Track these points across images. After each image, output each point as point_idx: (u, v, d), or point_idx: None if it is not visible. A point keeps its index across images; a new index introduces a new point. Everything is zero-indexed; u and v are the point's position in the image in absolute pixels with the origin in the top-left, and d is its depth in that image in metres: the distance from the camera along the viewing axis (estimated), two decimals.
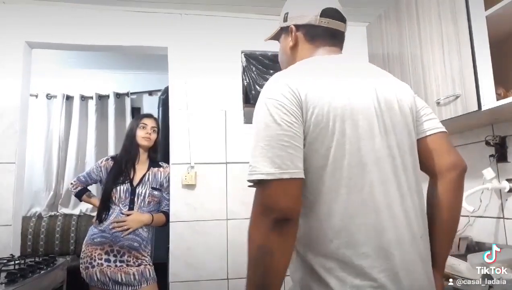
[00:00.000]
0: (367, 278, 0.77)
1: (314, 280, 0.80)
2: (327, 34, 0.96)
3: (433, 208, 0.94)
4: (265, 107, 0.80)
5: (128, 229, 1.99)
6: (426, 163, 0.95)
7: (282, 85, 0.81)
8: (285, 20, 1.00)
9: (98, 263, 1.94)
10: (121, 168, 2.12)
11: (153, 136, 2.20)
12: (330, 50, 0.96)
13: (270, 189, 0.76)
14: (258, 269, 0.80)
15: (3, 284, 1.38)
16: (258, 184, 0.77)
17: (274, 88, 0.82)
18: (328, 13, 0.96)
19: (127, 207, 2.06)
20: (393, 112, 0.87)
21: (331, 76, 0.86)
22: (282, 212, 0.75)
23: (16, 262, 1.68)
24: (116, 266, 1.95)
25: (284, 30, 1.02)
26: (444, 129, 0.97)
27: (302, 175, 0.78)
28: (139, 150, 2.18)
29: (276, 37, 1.07)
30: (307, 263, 0.82)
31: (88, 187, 2.30)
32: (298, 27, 0.97)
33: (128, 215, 2.03)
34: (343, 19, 0.99)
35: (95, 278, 1.93)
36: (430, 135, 0.95)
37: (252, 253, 0.81)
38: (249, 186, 0.81)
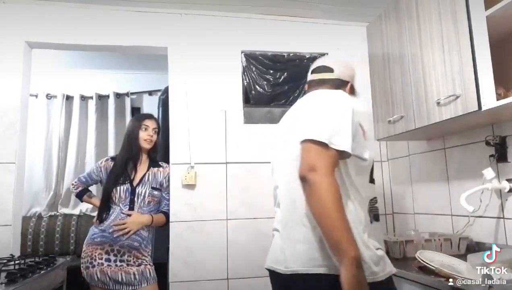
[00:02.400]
0: None
1: None
2: (312, 84, 1.34)
3: None
4: None
5: (128, 231, 1.99)
6: None
7: None
8: None
9: (98, 262, 1.94)
10: (122, 168, 2.12)
11: (154, 138, 2.20)
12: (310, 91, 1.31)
13: None
14: None
15: (3, 284, 1.38)
16: None
17: None
18: (314, 70, 1.35)
19: (127, 206, 2.06)
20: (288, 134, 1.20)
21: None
22: None
23: (16, 262, 1.68)
24: (116, 265, 1.95)
25: None
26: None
27: None
28: (141, 150, 2.18)
29: None
30: None
31: (89, 188, 2.30)
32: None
33: (128, 215, 2.03)
34: (328, 70, 1.32)
35: (96, 278, 1.93)
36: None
37: None
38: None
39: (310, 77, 1.35)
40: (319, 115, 1.07)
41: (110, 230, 1.99)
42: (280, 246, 1.12)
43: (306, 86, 1.37)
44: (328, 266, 1.00)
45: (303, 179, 0.99)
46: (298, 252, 1.05)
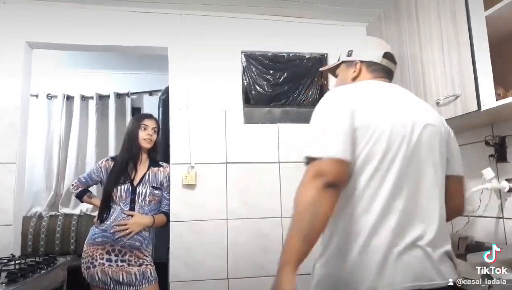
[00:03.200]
0: None
1: None
2: (383, 70, 1.21)
3: None
4: None
5: (130, 233, 1.99)
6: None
7: None
8: (349, 55, 1.24)
9: (99, 262, 1.95)
10: (122, 168, 2.12)
11: (154, 137, 2.21)
12: (383, 80, 1.20)
13: None
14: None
15: (4, 284, 1.38)
16: None
17: None
18: (387, 56, 1.21)
19: (128, 206, 2.06)
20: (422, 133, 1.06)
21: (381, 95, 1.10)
22: None
23: (17, 262, 1.68)
24: (117, 265, 1.96)
25: (346, 63, 1.25)
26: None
27: None
28: (141, 150, 2.18)
29: (333, 68, 1.31)
30: None
31: (89, 188, 2.30)
32: (362, 62, 1.22)
33: (129, 215, 2.04)
34: (395, 62, 1.24)
35: (97, 278, 1.93)
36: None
37: None
38: None
39: (385, 62, 1.21)
40: None
41: (111, 230, 1.99)
42: (429, 259, 1.01)
43: (358, 66, 1.21)
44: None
45: None
46: (447, 262, 1.05)
